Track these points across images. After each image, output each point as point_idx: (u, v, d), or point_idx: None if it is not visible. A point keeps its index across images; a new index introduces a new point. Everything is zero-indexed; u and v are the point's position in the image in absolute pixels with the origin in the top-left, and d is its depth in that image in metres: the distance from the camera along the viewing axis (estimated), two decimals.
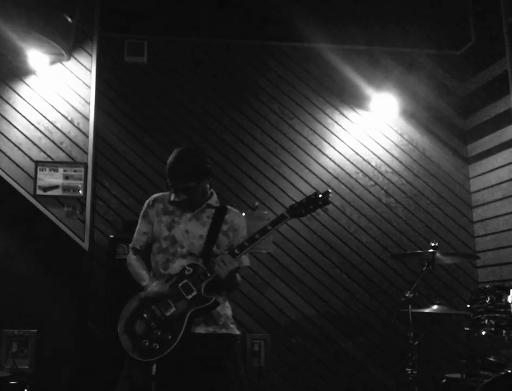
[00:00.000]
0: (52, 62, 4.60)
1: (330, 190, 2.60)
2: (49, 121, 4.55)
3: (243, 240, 2.56)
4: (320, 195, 2.57)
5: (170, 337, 2.39)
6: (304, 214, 2.56)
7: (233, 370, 2.57)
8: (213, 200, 2.71)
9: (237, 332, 2.63)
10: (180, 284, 2.48)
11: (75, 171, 4.49)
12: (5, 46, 4.35)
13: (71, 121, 4.58)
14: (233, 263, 2.46)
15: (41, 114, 4.56)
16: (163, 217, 2.65)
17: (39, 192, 4.42)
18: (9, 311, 4.27)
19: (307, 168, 4.94)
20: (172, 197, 2.67)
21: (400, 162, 5.10)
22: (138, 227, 2.74)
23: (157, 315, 2.43)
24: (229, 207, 2.75)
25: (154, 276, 2.62)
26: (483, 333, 3.16)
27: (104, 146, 4.74)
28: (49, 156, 4.51)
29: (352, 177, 5.00)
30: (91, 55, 4.70)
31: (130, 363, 2.47)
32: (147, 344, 2.39)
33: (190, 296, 2.45)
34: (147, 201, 2.75)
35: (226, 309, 2.63)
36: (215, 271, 2.45)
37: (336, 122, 5.07)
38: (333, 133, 5.04)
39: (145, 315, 2.44)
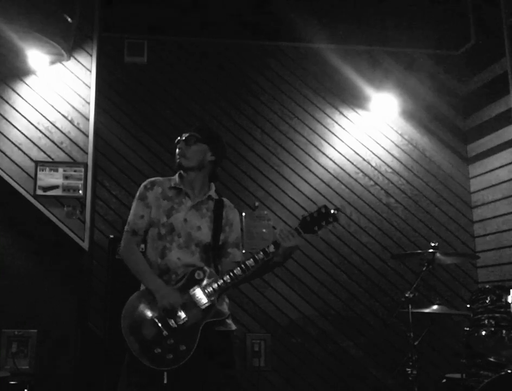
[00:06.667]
0: (52, 62, 4.60)
1: (340, 208, 2.56)
2: (49, 121, 4.55)
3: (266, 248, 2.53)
4: (332, 211, 2.49)
5: (184, 348, 2.35)
6: (316, 232, 2.49)
7: (233, 365, 2.53)
8: (213, 192, 2.71)
9: (234, 327, 2.59)
10: (192, 291, 2.44)
11: (75, 171, 4.49)
12: (5, 46, 4.35)
13: (71, 121, 4.57)
14: (297, 241, 2.44)
15: (41, 114, 4.55)
16: (162, 202, 2.60)
17: (39, 192, 4.42)
18: (9, 311, 4.27)
19: (307, 168, 4.94)
20: (173, 183, 2.64)
21: (400, 162, 5.10)
22: (134, 209, 2.64)
23: (169, 322, 2.39)
24: (224, 200, 2.74)
25: (149, 263, 2.56)
26: (483, 333, 3.15)
27: (104, 146, 4.74)
28: (49, 156, 4.50)
29: (352, 177, 5.00)
30: (91, 55, 4.70)
31: (130, 367, 2.43)
32: (159, 351, 2.34)
33: (203, 307, 2.42)
34: (144, 184, 2.68)
35: (224, 304, 2.58)
36: (227, 279, 2.43)
37: (336, 122, 5.07)
38: (333, 133, 5.04)
39: (156, 320, 2.39)
